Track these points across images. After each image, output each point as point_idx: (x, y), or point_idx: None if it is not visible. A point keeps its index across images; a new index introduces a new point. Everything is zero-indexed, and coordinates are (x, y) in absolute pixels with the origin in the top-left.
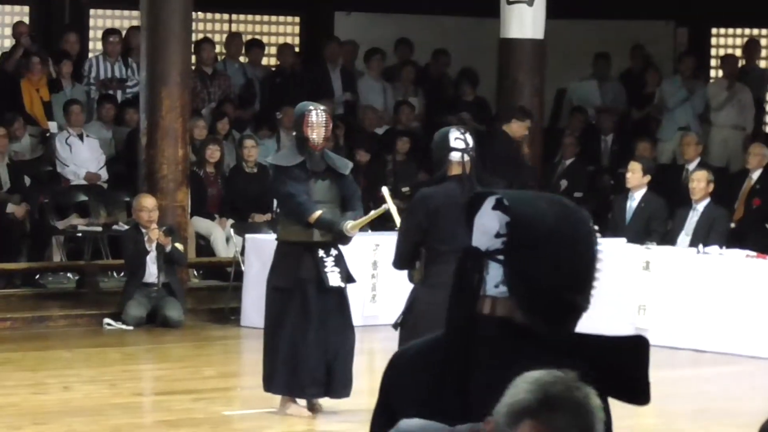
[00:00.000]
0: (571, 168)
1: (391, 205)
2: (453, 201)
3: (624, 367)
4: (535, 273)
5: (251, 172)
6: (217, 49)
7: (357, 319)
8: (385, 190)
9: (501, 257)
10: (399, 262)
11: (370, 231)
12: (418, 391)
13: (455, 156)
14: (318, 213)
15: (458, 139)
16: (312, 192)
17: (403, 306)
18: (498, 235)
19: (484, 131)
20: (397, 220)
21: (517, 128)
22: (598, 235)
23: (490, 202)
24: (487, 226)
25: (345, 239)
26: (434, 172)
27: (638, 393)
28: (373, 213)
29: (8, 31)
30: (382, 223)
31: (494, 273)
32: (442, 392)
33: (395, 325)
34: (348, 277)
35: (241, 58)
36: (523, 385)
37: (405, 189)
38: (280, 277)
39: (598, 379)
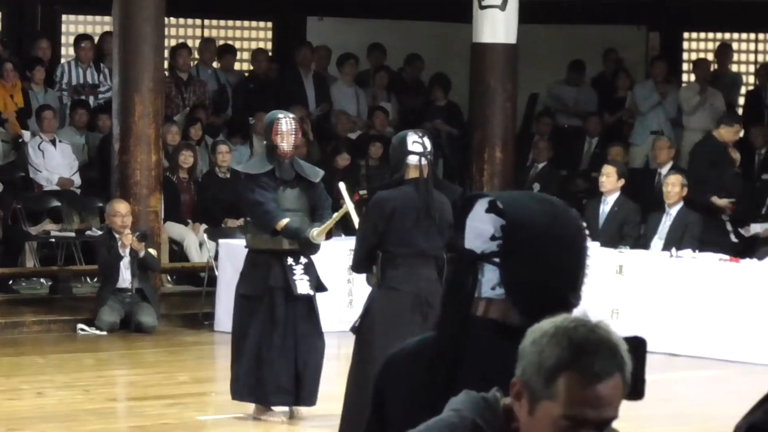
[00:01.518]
0: (543, 172)
1: (348, 202)
2: (409, 204)
3: None
4: (532, 274)
5: (224, 177)
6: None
7: (334, 324)
8: (341, 186)
9: (497, 260)
10: (357, 266)
11: (343, 236)
12: (409, 391)
13: (413, 159)
14: (285, 221)
15: (416, 142)
16: (281, 200)
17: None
18: (493, 238)
19: (456, 135)
20: (355, 218)
21: (725, 133)
22: (586, 231)
23: (482, 204)
24: (481, 228)
25: (312, 248)
26: (392, 175)
27: (632, 391)
28: (335, 215)
29: None
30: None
31: (490, 275)
32: (432, 393)
33: (353, 329)
34: (318, 285)
35: (214, 64)
36: (542, 341)
37: (362, 192)
38: (248, 285)
39: None
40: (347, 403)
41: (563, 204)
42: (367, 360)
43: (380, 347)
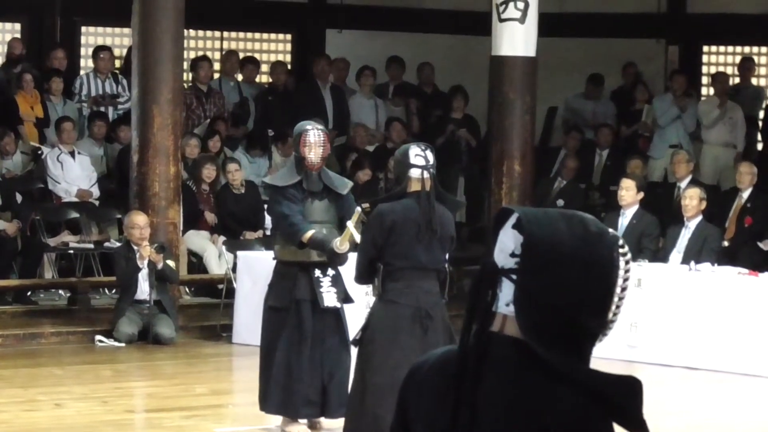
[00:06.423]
0: (567, 187)
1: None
2: (410, 217)
3: (621, 404)
4: (542, 296)
5: (239, 192)
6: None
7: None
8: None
9: (513, 276)
10: (358, 278)
11: None
12: (432, 402)
13: (415, 173)
14: (310, 233)
15: (418, 155)
16: (309, 212)
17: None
18: (513, 255)
19: (474, 146)
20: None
21: None
22: (626, 258)
23: (512, 219)
24: (505, 243)
25: (339, 258)
26: (394, 188)
27: (635, 426)
28: (349, 223)
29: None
30: None
31: (506, 291)
32: (452, 407)
33: (354, 342)
34: (345, 298)
35: (237, 76)
36: None
37: (365, 205)
38: (276, 296)
39: (600, 408)
40: (349, 413)
41: (598, 228)
42: (367, 372)
43: (380, 359)
